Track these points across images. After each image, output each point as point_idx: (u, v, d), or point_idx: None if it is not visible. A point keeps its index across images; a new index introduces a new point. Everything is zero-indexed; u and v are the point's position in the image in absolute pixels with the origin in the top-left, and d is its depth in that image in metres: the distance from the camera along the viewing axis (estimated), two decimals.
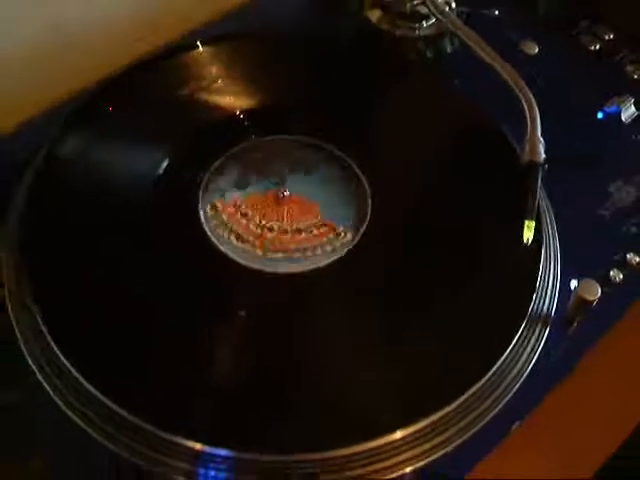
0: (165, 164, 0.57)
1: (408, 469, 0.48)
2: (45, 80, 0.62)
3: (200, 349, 0.50)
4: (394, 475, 0.48)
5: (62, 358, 0.49)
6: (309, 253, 0.54)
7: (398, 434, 0.47)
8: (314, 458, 0.47)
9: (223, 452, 0.47)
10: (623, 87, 0.67)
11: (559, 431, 0.52)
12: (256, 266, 0.53)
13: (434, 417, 0.48)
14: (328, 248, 0.55)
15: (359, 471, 0.47)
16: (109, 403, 0.47)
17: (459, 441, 0.49)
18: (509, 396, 0.51)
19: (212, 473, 0.47)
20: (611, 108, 0.65)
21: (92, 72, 0.62)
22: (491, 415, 0.50)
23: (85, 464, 0.48)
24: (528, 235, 0.53)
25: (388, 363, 0.50)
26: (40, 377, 0.49)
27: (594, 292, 0.51)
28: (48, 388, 0.49)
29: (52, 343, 0.49)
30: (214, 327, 0.51)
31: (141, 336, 0.50)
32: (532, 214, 0.54)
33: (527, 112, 0.58)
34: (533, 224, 0.54)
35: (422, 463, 0.48)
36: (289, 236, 0.55)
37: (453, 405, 0.49)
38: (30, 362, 0.50)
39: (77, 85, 0.62)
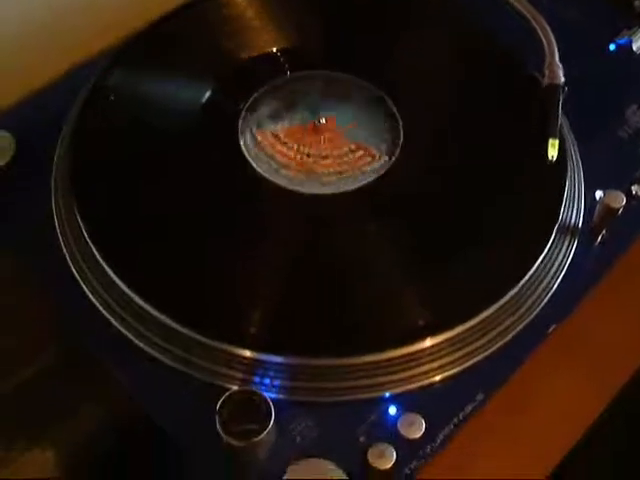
0: (206, 96, 0.57)
1: (454, 370, 0.47)
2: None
3: (249, 265, 0.49)
4: (437, 378, 0.47)
5: (117, 280, 0.48)
6: (348, 175, 0.53)
7: (439, 338, 0.46)
8: (363, 362, 0.47)
9: (276, 359, 0.45)
10: (633, 21, 0.65)
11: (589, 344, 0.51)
12: (297, 189, 0.52)
13: (473, 321, 0.48)
14: (366, 170, 0.54)
15: (407, 373, 0.46)
16: (164, 318, 0.47)
17: (495, 347, 0.48)
18: (542, 304, 0.50)
19: (267, 381, 0.45)
20: (622, 40, 0.63)
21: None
22: (525, 322, 0.49)
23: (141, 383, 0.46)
24: (553, 153, 0.53)
25: (427, 272, 0.50)
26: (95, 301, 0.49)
27: (619, 200, 0.50)
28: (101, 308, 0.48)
29: (105, 266, 0.48)
30: (260, 246, 0.50)
31: (192, 255, 0.50)
32: (555, 133, 0.54)
33: (544, 39, 0.59)
34: (557, 142, 0.54)
35: (463, 366, 0.47)
36: (328, 161, 0.53)
37: (491, 309, 0.48)
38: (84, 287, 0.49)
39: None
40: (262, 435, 0.42)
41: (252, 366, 0.46)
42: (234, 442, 0.42)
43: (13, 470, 0.42)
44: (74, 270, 0.50)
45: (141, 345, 0.47)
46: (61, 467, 0.44)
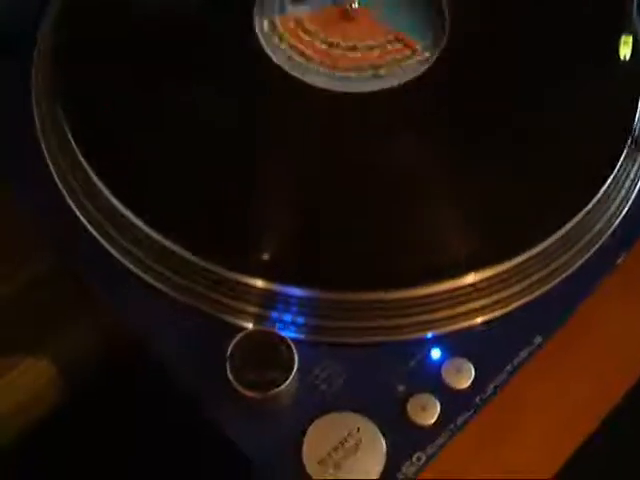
0: None
1: (517, 304, 0.39)
2: None
3: (265, 177, 0.40)
4: (488, 317, 0.39)
5: (106, 192, 0.40)
6: (382, 71, 0.44)
7: (491, 271, 0.38)
8: (393, 297, 0.38)
9: (299, 292, 0.38)
10: None
11: None
12: (321, 85, 0.43)
13: (531, 252, 0.40)
14: (404, 65, 0.44)
15: (453, 311, 0.38)
16: (163, 240, 0.39)
17: (556, 281, 0.41)
18: (610, 231, 0.42)
19: (287, 318, 0.37)
20: None
21: None
22: (590, 253, 0.41)
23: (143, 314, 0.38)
24: (626, 51, 0.44)
25: (476, 194, 0.41)
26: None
27: None
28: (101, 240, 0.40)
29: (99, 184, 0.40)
30: (277, 153, 0.41)
31: (196, 164, 0.41)
32: (629, 28, 0.45)
33: None
34: (630, 39, 0.45)
35: (519, 303, 0.39)
36: (359, 53, 0.44)
37: (552, 238, 0.40)
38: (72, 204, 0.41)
39: None
40: (283, 386, 0.35)
41: (269, 300, 0.38)
42: (249, 393, 0.35)
43: (8, 380, 0.38)
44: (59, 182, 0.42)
45: (138, 272, 0.39)
46: (55, 377, 0.40)
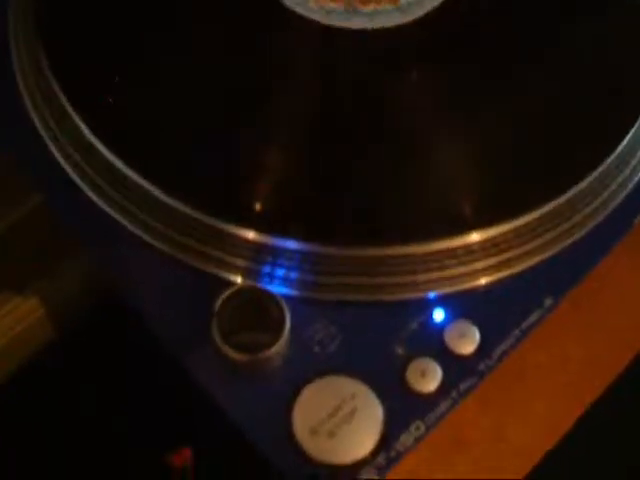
0: None
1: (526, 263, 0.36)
2: None
3: (257, 117, 0.37)
4: (495, 277, 0.35)
5: (84, 128, 0.36)
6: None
7: (500, 228, 0.35)
8: (393, 253, 0.35)
9: (290, 244, 0.34)
10: None
11: None
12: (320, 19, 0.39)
13: (542, 210, 0.36)
14: None
15: (457, 270, 0.35)
16: (150, 188, 0.35)
17: (577, 235, 0.37)
18: (628, 190, 0.39)
19: (278, 272, 0.34)
20: None
21: None
22: (606, 212, 0.38)
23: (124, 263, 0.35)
24: None
25: (485, 146, 0.38)
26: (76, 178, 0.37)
27: None
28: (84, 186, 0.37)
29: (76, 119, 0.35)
30: (272, 93, 0.37)
31: (183, 106, 0.37)
32: None
33: None
34: None
35: (528, 263, 0.36)
36: None
37: (566, 196, 0.37)
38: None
39: None
40: (272, 348, 0.31)
41: (260, 253, 0.34)
42: (236, 355, 0.31)
43: None
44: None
45: (119, 218, 0.36)
46: (43, 317, 0.37)
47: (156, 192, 0.34)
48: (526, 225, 0.36)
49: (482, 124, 0.37)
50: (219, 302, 0.31)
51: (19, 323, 0.36)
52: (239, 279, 0.34)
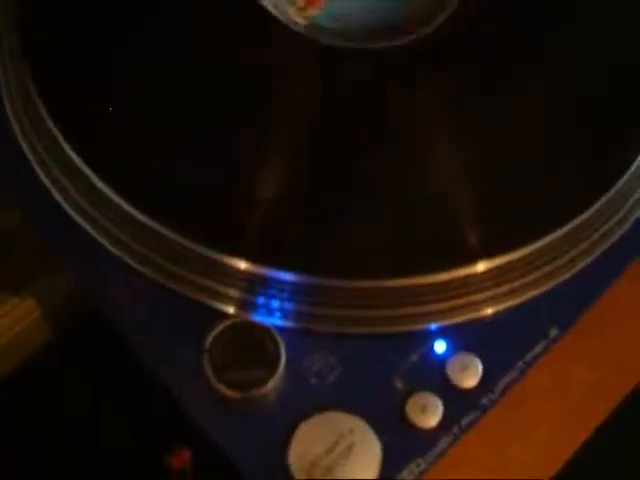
0: None
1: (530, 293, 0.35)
2: None
3: (252, 138, 0.36)
4: (498, 307, 0.34)
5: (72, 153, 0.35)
6: None
7: (504, 258, 0.34)
8: (393, 285, 0.34)
9: (287, 276, 0.33)
10: None
11: None
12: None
13: (550, 238, 0.35)
14: None
15: (459, 301, 0.34)
16: (140, 216, 0.34)
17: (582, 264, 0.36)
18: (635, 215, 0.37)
19: (274, 304, 0.33)
20: None
21: None
22: (617, 235, 0.37)
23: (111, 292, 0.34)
24: None
25: (491, 171, 0.36)
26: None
27: None
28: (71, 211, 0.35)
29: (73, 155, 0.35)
30: (266, 109, 0.36)
31: (172, 126, 0.36)
32: None
33: None
34: None
35: (533, 293, 0.35)
36: None
37: (577, 221, 0.35)
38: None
39: None
40: (267, 385, 0.30)
41: (254, 284, 0.33)
42: (229, 392, 0.30)
43: None
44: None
45: (105, 243, 0.35)
46: (40, 317, 0.37)
47: (145, 219, 0.33)
48: (529, 256, 0.34)
49: (486, 154, 0.36)
50: (210, 339, 0.30)
51: (17, 324, 0.36)
52: (232, 309, 0.33)
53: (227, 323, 0.31)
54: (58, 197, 0.35)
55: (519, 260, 0.34)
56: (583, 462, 0.36)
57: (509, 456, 0.36)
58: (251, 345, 0.31)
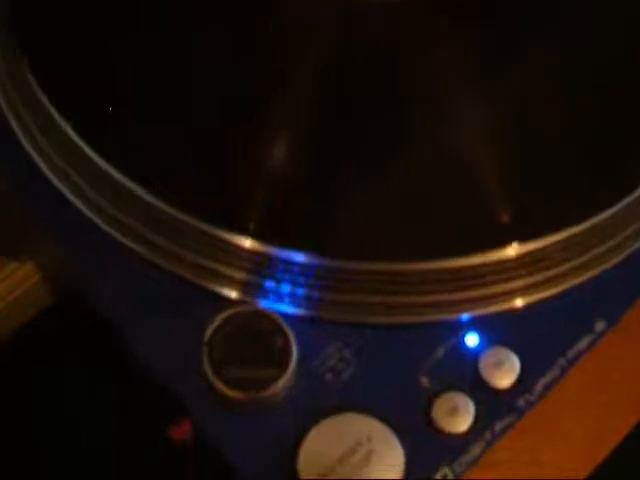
0: None
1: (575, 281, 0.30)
2: None
3: (259, 103, 0.31)
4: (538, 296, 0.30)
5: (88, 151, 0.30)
6: None
7: (555, 237, 0.29)
8: (418, 269, 0.29)
9: (300, 257, 0.28)
10: None
11: None
12: None
13: (594, 220, 0.30)
14: None
15: (495, 289, 0.29)
16: (133, 186, 0.29)
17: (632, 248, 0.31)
18: None
19: (284, 289, 0.29)
20: None
21: None
22: None
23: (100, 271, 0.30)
24: None
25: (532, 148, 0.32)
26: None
27: None
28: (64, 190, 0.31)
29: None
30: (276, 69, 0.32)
31: (169, 91, 0.32)
32: None
33: None
34: None
35: (578, 280, 0.30)
36: None
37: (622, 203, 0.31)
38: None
39: None
40: (275, 385, 0.26)
41: (259, 265, 0.29)
42: (231, 393, 0.26)
43: None
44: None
45: (95, 219, 0.30)
46: (40, 281, 0.34)
47: (138, 190, 0.29)
48: (573, 239, 0.30)
49: (522, 121, 0.32)
50: (210, 329, 0.26)
51: (16, 288, 0.34)
52: (235, 294, 0.29)
53: (230, 311, 0.27)
54: (48, 173, 0.31)
55: (560, 244, 0.30)
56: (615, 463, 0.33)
57: (541, 456, 0.32)
58: (257, 337, 0.26)
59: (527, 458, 0.31)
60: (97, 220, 0.30)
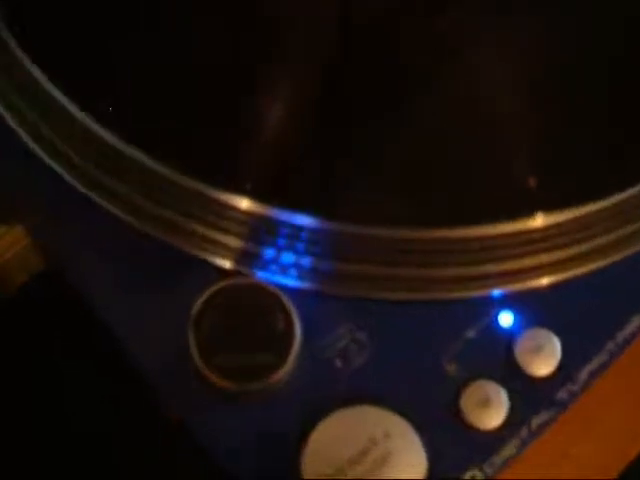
0: None
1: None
2: None
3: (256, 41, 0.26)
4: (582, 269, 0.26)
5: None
6: None
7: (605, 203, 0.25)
8: (442, 236, 0.25)
9: (306, 221, 0.24)
10: None
11: None
12: None
13: None
14: None
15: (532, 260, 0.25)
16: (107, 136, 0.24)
17: None
18: None
19: (286, 258, 0.24)
20: None
21: None
22: None
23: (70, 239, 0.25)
24: None
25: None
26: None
27: None
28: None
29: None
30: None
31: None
32: None
33: None
34: None
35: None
36: None
37: None
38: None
39: None
40: (277, 372, 0.22)
41: (257, 229, 0.24)
42: (223, 382, 0.22)
43: None
44: None
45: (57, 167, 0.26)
46: (31, 244, 0.30)
47: (116, 141, 0.24)
48: (614, 208, 0.25)
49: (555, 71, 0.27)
50: (197, 306, 0.21)
51: (6, 252, 0.31)
52: (229, 263, 0.25)
53: (221, 284, 0.22)
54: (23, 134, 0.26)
55: (602, 213, 0.26)
56: None
57: (571, 449, 0.27)
58: (254, 316, 0.22)
59: (556, 451, 0.27)
60: (75, 183, 0.26)
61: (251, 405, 0.23)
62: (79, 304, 0.27)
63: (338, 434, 0.23)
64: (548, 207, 0.25)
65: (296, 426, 0.23)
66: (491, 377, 0.24)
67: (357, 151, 0.25)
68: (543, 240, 0.26)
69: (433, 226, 0.25)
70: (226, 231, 0.25)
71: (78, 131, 0.25)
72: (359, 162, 0.25)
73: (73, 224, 0.26)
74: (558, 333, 0.25)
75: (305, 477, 0.23)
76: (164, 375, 0.23)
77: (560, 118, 0.27)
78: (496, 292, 0.25)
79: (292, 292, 0.24)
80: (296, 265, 0.24)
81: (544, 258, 0.26)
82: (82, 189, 0.26)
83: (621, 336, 0.25)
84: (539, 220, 0.25)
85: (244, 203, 0.24)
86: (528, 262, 0.26)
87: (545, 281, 0.26)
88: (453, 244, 0.25)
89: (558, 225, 0.26)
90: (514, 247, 0.25)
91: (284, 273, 0.24)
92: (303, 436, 0.23)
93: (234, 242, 0.25)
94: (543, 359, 0.25)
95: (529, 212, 0.25)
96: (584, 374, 0.25)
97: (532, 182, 0.26)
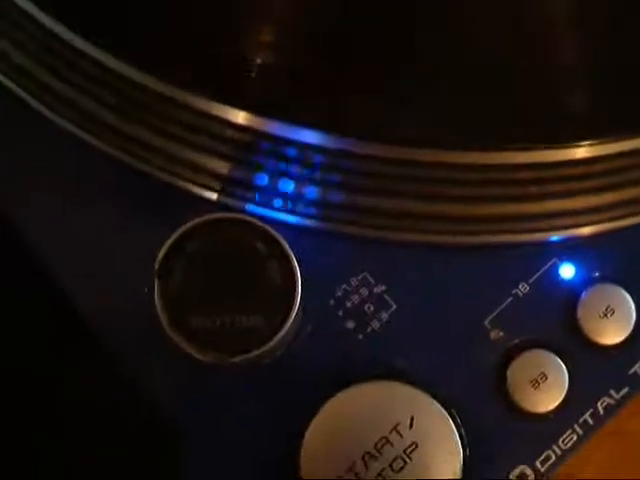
0: None
1: None
2: None
3: None
4: None
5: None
6: None
7: None
8: (482, 162, 0.19)
9: (311, 136, 0.18)
10: None
11: None
12: None
13: None
14: None
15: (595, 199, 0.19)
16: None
17: None
18: None
19: (287, 187, 0.18)
20: None
21: None
22: None
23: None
24: None
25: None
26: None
27: None
28: None
29: None
30: None
31: None
32: None
33: None
34: None
35: None
36: None
37: None
38: None
39: None
40: (268, 344, 0.16)
41: (250, 149, 0.18)
42: (201, 355, 0.16)
43: None
44: None
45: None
46: None
47: (76, 40, 0.18)
48: None
49: None
50: (164, 250, 0.15)
51: None
52: (215, 194, 0.19)
53: (197, 220, 0.16)
54: None
55: None
56: None
57: (625, 425, 0.22)
58: (240, 263, 0.16)
59: (609, 426, 0.22)
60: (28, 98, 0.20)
61: (239, 382, 0.17)
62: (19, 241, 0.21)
63: (350, 418, 0.17)
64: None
65: (296, 408, 0.17)
66: (546, 346, 0.19)
67: (382, 52, 0.19)
68: (610, 173, 0.20)
69: (468, 149, 0.19)
70: (212, 153, 0.19)
71: (43, 37, 0.19)
72: (375, 67, 0.18)
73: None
74: (632, 292, 0.19)
75: (302, 475, 0.17)
76: (132, 337, 0.17)
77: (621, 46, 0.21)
78: (555, 238, 0.19)
79: (292, 231, 0.18)
80: (296, 196, 0.18)
81: (610, 197, 0.20)
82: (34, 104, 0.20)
83: None
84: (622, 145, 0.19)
85: (239, 116, 0.18)
86: (594, 200, 0.20)
87: (617, 225, 0.20)
88: (498, 171, 0.19)
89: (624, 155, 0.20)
90: (575, 180, 0.20)
91: (280, 207, 0.19)
92: (304, 420, 0.17)
93: (221, 166, 0.19)
94: (612, 324, 0.19)
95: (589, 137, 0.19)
96: None
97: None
